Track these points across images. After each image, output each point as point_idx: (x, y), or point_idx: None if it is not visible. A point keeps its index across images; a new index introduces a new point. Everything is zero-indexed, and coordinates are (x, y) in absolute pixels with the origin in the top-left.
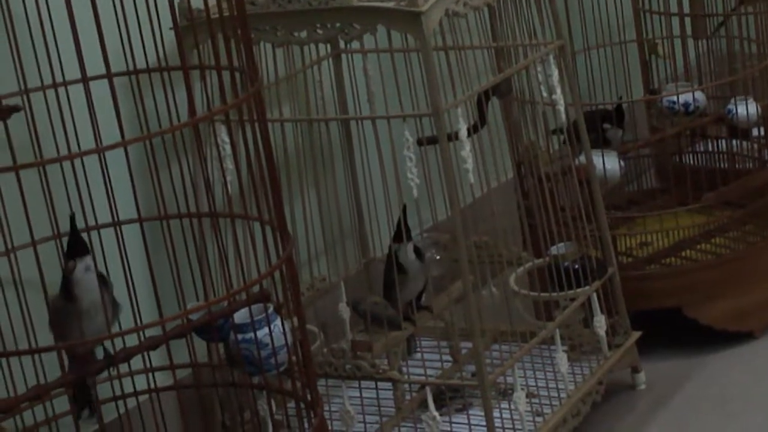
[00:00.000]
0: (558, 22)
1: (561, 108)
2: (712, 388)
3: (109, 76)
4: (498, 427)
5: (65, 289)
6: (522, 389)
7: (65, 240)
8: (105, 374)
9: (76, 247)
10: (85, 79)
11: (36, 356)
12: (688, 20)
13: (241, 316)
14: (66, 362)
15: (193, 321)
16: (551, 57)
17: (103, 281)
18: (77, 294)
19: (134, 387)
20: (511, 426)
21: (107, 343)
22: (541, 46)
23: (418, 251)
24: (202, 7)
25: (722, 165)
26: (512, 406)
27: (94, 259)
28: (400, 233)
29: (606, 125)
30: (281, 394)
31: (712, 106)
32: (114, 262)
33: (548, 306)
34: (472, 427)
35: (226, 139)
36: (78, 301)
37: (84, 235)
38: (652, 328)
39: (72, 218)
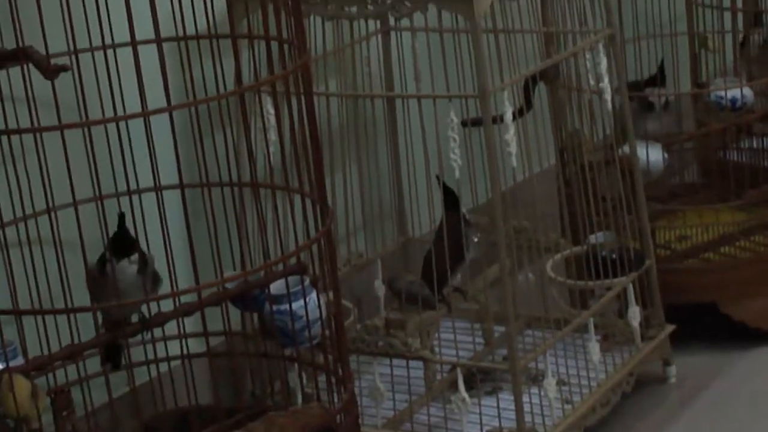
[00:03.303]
0: (610, 10)
1: (607, 97)
2: (743, 386)
3: (158, 41)
4: (527, 412)
5: (103, 267)
6: (553, 376)
7: (106, 202)
8: (139, 338)
9: (121, 245)
10: (134, 43)
11: (71, 316)
12: (740, 16)
13: (277, 287)
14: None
15: (229, 289)
16: (600, 45)
17: (144, 264)
18: (114, 281)
19: (167, 352)
20: (540, 412)
21: (143, 308)
22: (591, 33)
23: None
24: None
25: (766, 163)
26: (542, 392)
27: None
28: (449, 200)
29: (649, 90)
30: (312, 368)
31: (759, 103)
32: (154, 226)
33: (583, 294)
34: (501, 410)
35: (272, 111)
36: (112, 282)
37: (125, 199)
38: (687, 323)
39: (121, 217)
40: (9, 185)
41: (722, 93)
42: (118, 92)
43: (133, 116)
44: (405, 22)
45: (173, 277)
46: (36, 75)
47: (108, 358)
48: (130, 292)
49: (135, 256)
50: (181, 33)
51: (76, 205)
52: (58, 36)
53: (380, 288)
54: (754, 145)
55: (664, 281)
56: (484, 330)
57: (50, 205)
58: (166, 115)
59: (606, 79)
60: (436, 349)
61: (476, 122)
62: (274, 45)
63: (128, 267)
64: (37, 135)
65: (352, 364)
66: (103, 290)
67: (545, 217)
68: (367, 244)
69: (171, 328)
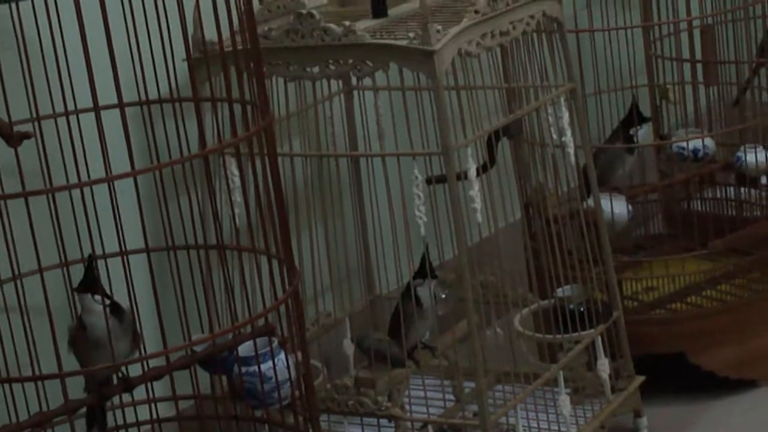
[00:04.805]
0: (570, 64)
1: (570, 150)
2: None
3: (120, 105)
4: None
5: (80, 318)
6: (524, 430)
7: (72, 268)
8: (108, 403)
9: (89, 282)
10: (96, 108)
11: (39, 383)
12: (699, 66)
13: (245, 349)
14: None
15: (198, 352)
16: (562, 99)
17: (119, 312)
18: (87, 324)
19: (136, 417)
20: None
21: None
22: (552, 88)
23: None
24: (215, 39)
25: (730, 212)
26: None
27: (110, 293)
28: (423, 270)
29: (632, 130)
30: (283, 429)
31: (721, 153)
32: (120, 291)
33: (552, 348)
34: None
35: (236, 172)
36: (89, 331)
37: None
38: (656, 373)
39: (90, 258)
40: None
41: (684, 144)
42: (81, 158)
43: (98, 182)
44: (367, 81)
45: (141, 341)
46: None
47: (93, 423)
48: (104, 342)
49: (99, 297)
50: (143, 97)
51: (41, 272)
52: (20, 103)
53: (349, 347)
54: (718, 194)
55: (632, 332)
56: (453, 386)
57: (15, 272)
58: (130, 180)
59: (569, 133)
60: (407, 407)
61: (440, 179)
62: (237, 107)
63: (96, 306)
64: (1, 202)
65: (322, 423)
66: (83, 345)
67: (512, 271)
68: (335, 303)
69: (140, 392)
